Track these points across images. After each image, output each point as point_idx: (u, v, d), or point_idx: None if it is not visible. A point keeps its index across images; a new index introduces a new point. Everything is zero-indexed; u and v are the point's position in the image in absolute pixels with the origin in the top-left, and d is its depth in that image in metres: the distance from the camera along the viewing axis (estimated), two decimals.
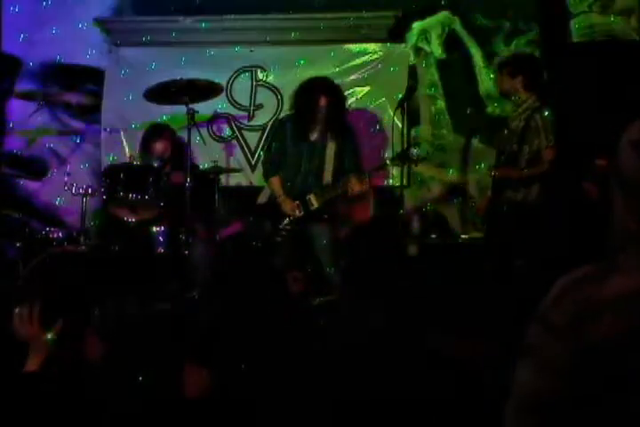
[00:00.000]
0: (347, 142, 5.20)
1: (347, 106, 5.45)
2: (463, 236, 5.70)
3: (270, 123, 6.25)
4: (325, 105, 5.08)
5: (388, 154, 5.60)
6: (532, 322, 1.33)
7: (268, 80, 6.35)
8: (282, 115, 5.91)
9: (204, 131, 6.04)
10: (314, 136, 5.19)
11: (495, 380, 1.35)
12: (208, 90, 5.31)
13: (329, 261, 5.09)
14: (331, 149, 5.16)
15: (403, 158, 4.98)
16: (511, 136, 4.87)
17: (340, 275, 5.02)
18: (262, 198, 5.31)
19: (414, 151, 4.96)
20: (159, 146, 5.45)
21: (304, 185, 5.16)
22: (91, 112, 6.42)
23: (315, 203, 5.10)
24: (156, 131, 5.58)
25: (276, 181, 5.21)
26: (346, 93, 5.67)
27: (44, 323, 2.14)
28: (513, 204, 4.78)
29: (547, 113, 4.76)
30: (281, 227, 5.10)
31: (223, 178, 5.71)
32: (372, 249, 5.07)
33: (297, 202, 5.11)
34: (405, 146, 5.04)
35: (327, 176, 5.17)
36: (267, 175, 5.31)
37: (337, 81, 5.41)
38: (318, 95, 5.08)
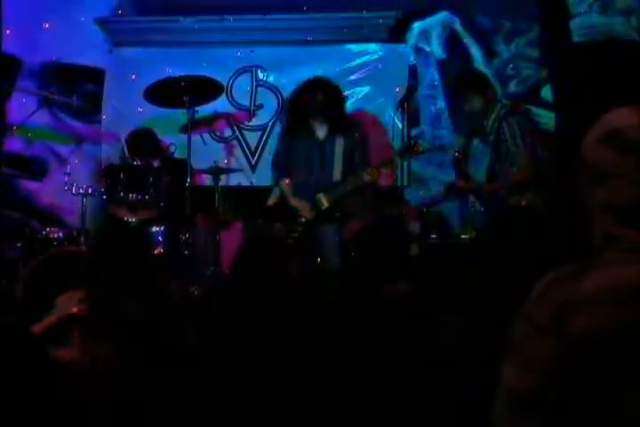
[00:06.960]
0: (355, 139, 5.19)
1: (345, 104, 5.43)
2: (463, 236, 5.69)
3: (270, 123, 6.27)
4: (322, 101, 5.08)
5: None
6: (516, 321, 1.34)
7: (268, 80, 6.36)
8: (282, 115, 5.92)
9: (204, 131, 6.05)
10: (321, 135, 5.18)
11: (494, 380, 1.35)
12: (209, 89, 5.31)
13: (336, 261, 5.09)
14: (339, 146, 5.15)
15: (407, 151, 5.01)
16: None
17: (345, 275, 5.01)
18: (271, 200, 5.31)
19: (419, 142, 5.01)
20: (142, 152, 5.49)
21: (315, 184, 5.16)
22: (91, 112, 6.41)
23: (325, 202, 5.09)
24: (137, 138, 5.62)
25: (285, 184, 5.22)
26: (346, 93, 5.66)
27: None
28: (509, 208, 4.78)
29: (512, 120, 4.77)
30: (293, 228, 5.10)
31: (223, 178, 5.72)
32: (375, 249, 5.07)
33: (308, 203, 5.10)
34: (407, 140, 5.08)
35: (336, 174, 5.16)
36: (276, 179, 5.35)
37: (337, 81, 5.40)
38: (314, 92, 5.10)
